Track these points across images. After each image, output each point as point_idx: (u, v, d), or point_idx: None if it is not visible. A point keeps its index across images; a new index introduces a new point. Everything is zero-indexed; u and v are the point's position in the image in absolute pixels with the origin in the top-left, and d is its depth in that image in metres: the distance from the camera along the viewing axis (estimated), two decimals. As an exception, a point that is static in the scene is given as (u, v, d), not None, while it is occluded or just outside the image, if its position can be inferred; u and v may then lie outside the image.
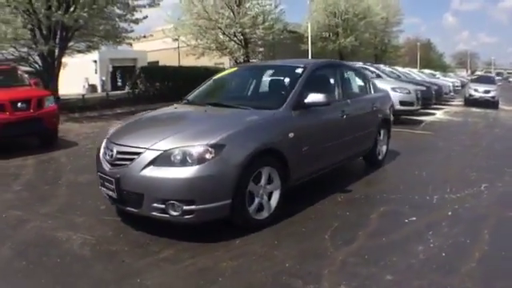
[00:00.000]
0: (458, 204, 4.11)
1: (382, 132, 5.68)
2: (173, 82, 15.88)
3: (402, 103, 9.84)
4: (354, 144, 4.87)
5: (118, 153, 3.36)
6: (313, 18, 30.62)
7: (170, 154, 3.10)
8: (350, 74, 5.22)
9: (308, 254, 2.98)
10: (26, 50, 11.83)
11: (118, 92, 20.75)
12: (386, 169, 5.65)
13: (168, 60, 27.10)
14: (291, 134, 3.67)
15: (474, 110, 14.90)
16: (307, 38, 28.12)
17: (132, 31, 13.65)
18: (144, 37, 14.74)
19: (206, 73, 13.35)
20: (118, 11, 12.95)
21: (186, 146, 3.12)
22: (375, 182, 4.97)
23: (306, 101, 3.90)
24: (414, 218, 3.69)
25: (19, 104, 6.61)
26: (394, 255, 2.94)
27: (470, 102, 15.90)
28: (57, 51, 12.03)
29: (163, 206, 3.08)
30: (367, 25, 30.10)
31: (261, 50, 24.24)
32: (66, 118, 11.16)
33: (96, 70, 26.56)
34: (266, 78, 4.67)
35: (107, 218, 3.73)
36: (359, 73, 5.61)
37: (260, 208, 3.50)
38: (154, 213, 3.14)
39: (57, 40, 11.82)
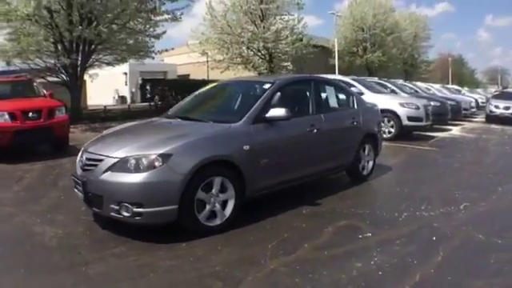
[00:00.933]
0: (426, 222, 3.95)
1: (366, 147, 5.55)
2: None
3: (409, 119, 9.55)
4: (328, 158, 4.80)
5: (87, 159, 3.67)
6: (341, 33, 30.56)
7: (126, 161, 3.34)
8: (325, 89, 5.17)
9: (243, 261, 3.03)
10: (52, 61, 12.43)
11: (142, 104, 21.47)
12: (369, 184, 5.51)
13: (198, 73, 27.74)
14: (246, 147, 3.73)
15: (493, 126, 14.13)
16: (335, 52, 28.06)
17: (152, 46, 14.10)
18: (166, 51, 15.21)
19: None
20: (140, 26, 13.37)
21: (138, 155, 3.33)
22: (350, 196, 4.85)
23: (266, 115, 3.97)
24: (370, 234, 3.58)
25: (30, 114, 7.06)
26: (326, 269, 2.88)
27: (491, 118, 15.11)
28: (79, 64, 12.54)
29: (118, 208, 3.31)
30: (395, 40, 29.64)
31: (285, 64, 24.32)
32: (86, 127, 11.70)
33: (126, 82, 27.54)
34: (237, 93, 4.75)
35: (83, 218, 4.02)
36: (339, 87, 5.54)
37: (213, 215, 3.57)
38: (112, 213, 3.38)
39: (79, 53, 12.36)
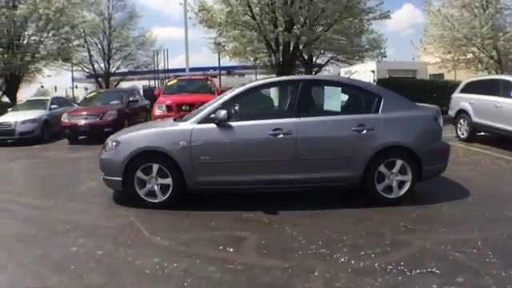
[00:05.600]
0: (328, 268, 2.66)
1: (397, 163, 3.95)
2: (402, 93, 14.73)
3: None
4: (307, 167, 3.88)
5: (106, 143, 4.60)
6: None
7: (107, 143, 4.27)
8: (321, 91, 4.09)
9: (123, 227, 3.51)
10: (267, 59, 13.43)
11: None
12: (384, 210, 3.81)
13: (451, 73, 23.46)
14: (182, 143, 3.83)
15: None
16: None
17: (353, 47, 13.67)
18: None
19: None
20: (344, 28, 12.78)
21: (110, 140, 4.24)
22: (327, 215, 3.71)
23: (211, 116, 3.89)
24: (231, 250, 2.98)
25: (183, 106, 8.39)
26: (145, 257, 2.88)
27: None
28: (282, 62, 12.69)
29: (101, 173, 4.28)
30: None
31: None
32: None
33: (374, 80, 26.23)
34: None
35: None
36: (356, 89, 4.34)
37: (154, 194, 3.97)
38: (102, 177, 4.29)
39: (284, 52, 12.47)
